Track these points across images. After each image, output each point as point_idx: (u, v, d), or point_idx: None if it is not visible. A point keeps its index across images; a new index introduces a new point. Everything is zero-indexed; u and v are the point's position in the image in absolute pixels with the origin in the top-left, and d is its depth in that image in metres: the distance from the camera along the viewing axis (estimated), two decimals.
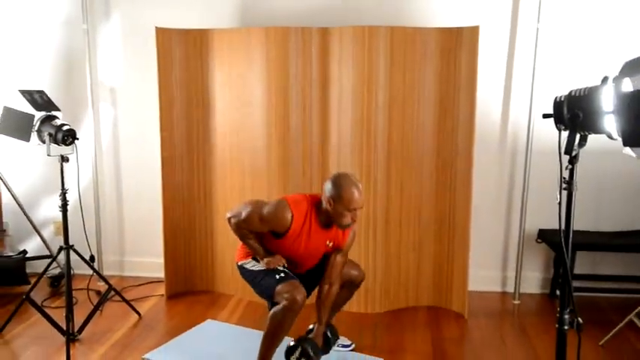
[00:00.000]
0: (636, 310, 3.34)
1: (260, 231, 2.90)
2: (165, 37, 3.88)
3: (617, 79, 1.99)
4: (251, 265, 2.99)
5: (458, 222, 3.79)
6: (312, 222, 2.85)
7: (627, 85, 1.98)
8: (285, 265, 2.95)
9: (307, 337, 2.97)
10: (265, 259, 2.91)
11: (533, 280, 4.22)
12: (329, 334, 3.11)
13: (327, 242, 2.93)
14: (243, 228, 2.90)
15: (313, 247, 2.91)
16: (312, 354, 2.89)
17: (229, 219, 2.94)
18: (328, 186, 2.79)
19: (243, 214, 2.87)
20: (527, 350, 3.38)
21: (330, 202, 2.76)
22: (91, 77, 4.27)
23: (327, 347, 3.08)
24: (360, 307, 3.87)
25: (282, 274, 2.87)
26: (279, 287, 2.81)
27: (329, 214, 2.80)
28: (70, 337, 3.29)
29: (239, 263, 3.05)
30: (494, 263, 4.25)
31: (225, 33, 3.88)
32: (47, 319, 3.44)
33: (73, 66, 4.34)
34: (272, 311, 2.84)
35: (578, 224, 2.19)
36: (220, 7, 4.13)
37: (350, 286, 3.17)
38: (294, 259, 2.97)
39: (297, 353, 2.91)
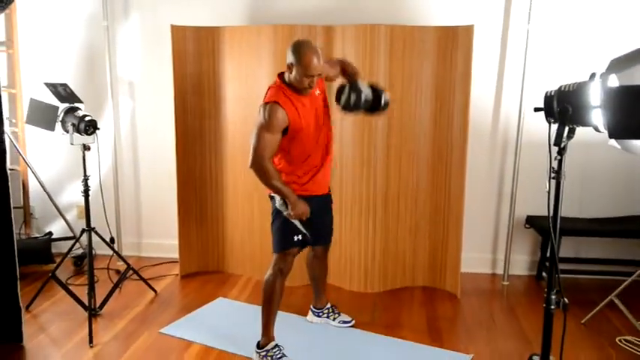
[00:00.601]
0: (616, 291, 3.33)
1: (278, 142, 2.71)
2: (179, 34, 3.85)
3: (604, 76, 1.98)
4: (280, 203, 2.82)
5: (452, 208, 3.78)
6: (292, 95, 2.73)
7: (613, 81, 1.97)
8: (309, 215, 2.81)
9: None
10: (293, 209, 2.75)
11: (521, 263, 4.22)
12: (383, 97, 2.86)
13: (315, 92, 2.83)
14: (265, 160, 2.67)
15: (313, 107, 2.81)
16: (361, 89, 2.76)
17: (251, 166, 2.70)
18: (289, 52, 2.69)
19: (256, 145, 2.67)
20: (515, 328, 3.38)
21: (290, 68, 2.68)
22: (110, 71, 4.26)
23: (377, 101, 2.85)
24: (360, 286, 3.87)
25: (295, 240, 2.86)
26: (288, 250, 2.86)
27: (291, 80, 2.72)
28: (92, 312, 3.32)
29: (271, 194, 2.88)
30: (485, 247, 4.24)
31: (236, 30, 3.85)
32: (71, 295, 3.45)
33: (94, 61, 4.32)
34: (265, 279, 2.90)
35: (563, 211, 2.18)
36: (231, 6, 4.10)
37: (321, 256, 3.24)
38: (315, 133, 2.84)
39: (345, 90, 2.79)
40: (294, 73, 2.67)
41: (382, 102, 2.88)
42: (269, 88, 2.81)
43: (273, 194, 2.86)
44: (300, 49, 2.65)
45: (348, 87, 2.81)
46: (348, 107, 2.85)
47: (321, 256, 3.25)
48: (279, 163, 2.85)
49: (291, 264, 2.92)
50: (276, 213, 2.89)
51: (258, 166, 2.68)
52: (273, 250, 2.93)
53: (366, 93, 2.83)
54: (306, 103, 2.79)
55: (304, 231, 2.86)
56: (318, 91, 2.86)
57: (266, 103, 2.71)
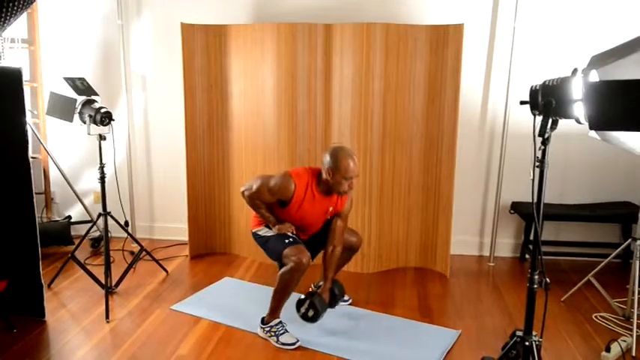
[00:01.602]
0: (593, 272, 3.34)
1: (269, 201, 2.87)
2: (189, 31, 3.83)
3: (586, 71, 1.98)
4: (263, 231, 2.97)
5: (442, 194, 3.78)
6: (314, 190, 2.82)
7: (594, 76, 1.96)
8: (294, 232, 2.92)
9: (315, 292, 2.95)
10: (277, 226, 2.90)
11: (506, 246, 4.22)
12: (336, 290, 3.06)
13: (329, 208, 2.91)
14: (255, 199, 2.87)
15: (316, 212, 2.89)
16: (318, 307, 2.88)
17: (243, 192, 2.92)
18: (327, 158, 2.75)
19: (254, 187, 2.85)
20: (500, 305, 3.39)
21: (329, 173, 2.73)
22: (124, 66, 4.23)
23: (333, 302, 3.04)
24: (356, 267, 3.88)
25: (291, 239, 2.85)
26: (287, 250, 2.80)
27: (328, 183, 2.77)
28: (109, 290, 3.33)
29: (253, 230, 3.03)
30: (473, 231, 4.24)
31: (241, 28, 3.82)
32: (89, 274, 3.45)
33: (110, 57, 4.29)
34: (281, 271, 2.83)
35: (545, 197, 2.17)
36: (237, 5, 4.06)
37: (349, 250, 3.18)
38: (300, 225, 2.95)
39: (306, 305, 2.90)
40: (332, 176, 2.72)
41: (337, 301, 3.08)
42: (304, 168, 2.92)
43: (256, 231, 2.99)
44: (337, 154, 2.72)
45: (308, 304, 2.89)
46: (306, 319, 2.92)
47: (348, 249, 3.16)
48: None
49: (305, 259, 2.75)
50: (265, 241, 2.96)
51: (249, 199, 2.90)
52: (277, 262, 2.90)
53: (323, 308, 2.91)
54: (317, 204, 2.84)
55: (293, 235, 2.89)
56: (331, 209, 2.91)
57: (288, 173, 2.81)
